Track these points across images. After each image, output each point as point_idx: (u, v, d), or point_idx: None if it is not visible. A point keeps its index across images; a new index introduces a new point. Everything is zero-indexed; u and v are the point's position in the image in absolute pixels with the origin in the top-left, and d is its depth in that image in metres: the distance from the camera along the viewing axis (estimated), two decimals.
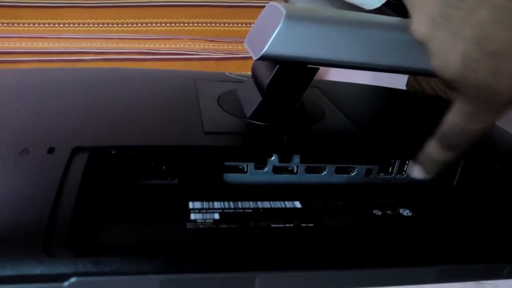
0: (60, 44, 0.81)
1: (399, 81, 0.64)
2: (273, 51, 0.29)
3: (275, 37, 0.29)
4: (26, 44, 0.80)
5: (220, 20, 0.89)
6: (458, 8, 0.22)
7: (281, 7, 0.30)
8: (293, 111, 0.35)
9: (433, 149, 0.28)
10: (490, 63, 0.22)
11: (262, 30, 0.31)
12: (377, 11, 0.79)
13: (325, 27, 0.30)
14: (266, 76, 0.33)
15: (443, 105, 0.27)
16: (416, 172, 0.30)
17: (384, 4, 0.77)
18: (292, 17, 0.29)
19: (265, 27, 0.31)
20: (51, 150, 0.27)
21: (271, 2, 0.33)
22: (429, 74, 0.31)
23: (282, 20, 0.29)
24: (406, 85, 0.66)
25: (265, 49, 0.29)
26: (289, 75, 0.33)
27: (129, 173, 0.29)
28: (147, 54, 0.77)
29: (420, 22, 0.24)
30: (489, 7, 0.21)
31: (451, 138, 0.27)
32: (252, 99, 0.35)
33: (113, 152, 0.28)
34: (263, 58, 0.30)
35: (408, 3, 0.25)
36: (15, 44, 0.80)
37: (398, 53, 0.32)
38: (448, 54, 0.23)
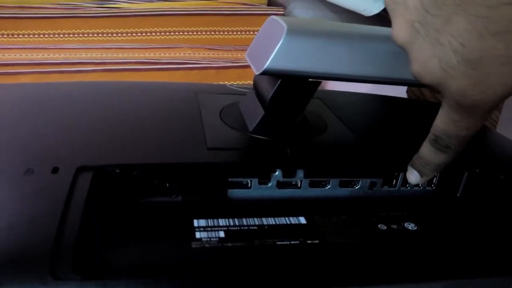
0: (60, 55, 0.81)
1: (399, 88, 0.64)
2: (274, 66, 0.29)
3: (276, 52, 0.29)
4: (26, 55, 0.81)
5: (219, 28, 0.90)
6: (435, 15, 0.22)
7: (282, 22, 0.30)
8: (295, 125, 0.35)
9: (426, 152, 0.28)
10: (468, 71, 0.22)
11: (264, 44, 0.31)
12: (376, 16, 0.79)
13: (326, 41, 0.30)
14: (268, 90, 0.33)
15: None
16: (412, 176, 0.30)
17: (383, 10, 0.77)
18: (294, 31, 0.29)
19: (267, 41, 0.31)
20: (55, 170, 0.27)
21: (272, 16, 0.33)
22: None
23: (284, 35, 0.29)
24: (407, 91, 0.66)
25: (266, 64, 0.29)
26: (291, 89, 0.33)
27: (133, 191, 0.29)
28: (147, 64, 0.77)
29: (400, 28, 0.25)
30: (464, 16, 0.22)
31: (442, 141, 0.27)
32: (254, 113, 0.35)
33: (117, 170, 0.28)
34: (265, 73, 0.30)
35: (389, 9, 0.26)
36: (15, 55, 0.80)
37: (399, 66, 0.32)
38: (427, 60, 0.24)
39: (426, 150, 0.28)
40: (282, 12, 0.94)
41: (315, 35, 0.30)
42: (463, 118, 0.25)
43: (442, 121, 0.26)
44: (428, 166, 0.29)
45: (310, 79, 0.33)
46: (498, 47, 0.21)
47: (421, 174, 0.29)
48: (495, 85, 0.22)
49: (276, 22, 0.31)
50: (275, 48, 0.29)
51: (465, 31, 0.22)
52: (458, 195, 0.34)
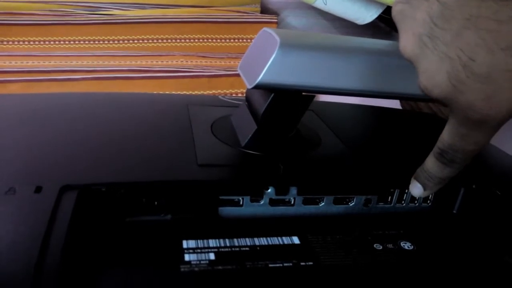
0: (50, 62, 0.80)
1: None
2: (267, 80, 0.28)
3: (269, 66, 0.28)
4: (16, 62, 0.79)
5: (212, 35, 0.89)
6: (444, 29, 0.22)
7: (275, 35, 0.29)
8: (288, 139, 0.34)
9: (431, 166, 0.28)
10: (478, 86, 0.22)
11: (256, 57, 0.31)
12: (370, 24, 0.78)
13: (320, 54, 0.29)
14: (261, 104, 0.32)
15: (441, 125, 0.27)
16: (415, 189, 0.29)
17: (377, 18, 0.77)
18: (287, 45, 0.28)
19: (259, 54, 0.30)
20: (38, 189, 0.26)
21: (265, 28, 0.32)
22: (428, 99, 0.31)
23: (277, 48, 0.28)
24: (401, 102, 0.65)
25: (259, 78, 0.28)
26: (285, 104, 0.32)
27: (120, 211, 0.28)
28: (138, 72, 0.76)
29: (407, 41, 0.24)
30: (474, 30, 0.21)
31: (447, 155, 0.26)
32: (246, 128, 0.34)
33: (104, 189, 0.27)
34: (258, 87, 0.29)
35: (396, 21, 0.25)
36: (4, 62, 0.78)
37: (394, 79, 0.31)
38: (435, 73, 0.23)
39: (431, 163, 0.28)
40: (276, 20, 0.94)
41: (309, 49, 0.29)
42: (471, 133, 0.24)
43: (449, 135, 0.26)
44: (432, 179, 0.28)
45: (303, 93, 0.32)
46: (508, 62, 0.21)
47: (425, 188, 0.29)
48: (505, 100, 0.22)
49: (269, 35, 0.30)
50: (268, 61, 0.28)
51: (475, 45, 0.21)
52: (454, 211, 0.34)
